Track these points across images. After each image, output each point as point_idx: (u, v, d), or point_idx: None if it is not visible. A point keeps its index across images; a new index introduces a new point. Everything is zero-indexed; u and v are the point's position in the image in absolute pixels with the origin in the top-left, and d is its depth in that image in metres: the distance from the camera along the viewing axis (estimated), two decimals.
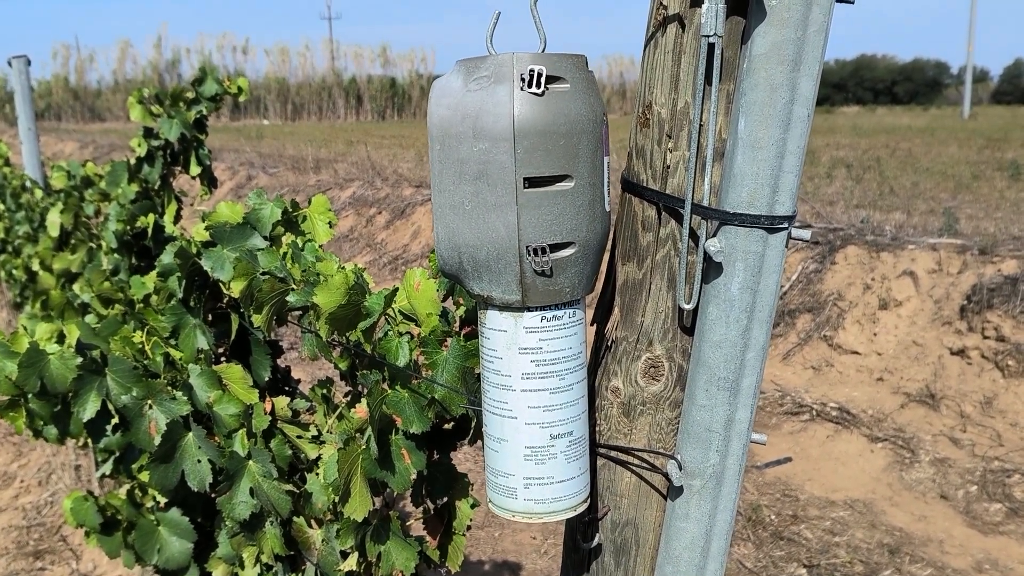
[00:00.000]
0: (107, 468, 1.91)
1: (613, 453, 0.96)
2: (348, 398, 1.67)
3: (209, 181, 2.62)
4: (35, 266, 3.05)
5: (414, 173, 12.41)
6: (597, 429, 0.97)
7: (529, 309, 0.75)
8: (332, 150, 18.91)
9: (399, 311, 1.12)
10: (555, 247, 0.74)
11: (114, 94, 49.60)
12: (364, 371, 1.16)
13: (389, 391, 1.08)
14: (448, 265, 0.76)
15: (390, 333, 1.07)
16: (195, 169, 2.54)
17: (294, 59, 55.75)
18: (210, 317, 1.71)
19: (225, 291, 1.69)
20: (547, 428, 0.81)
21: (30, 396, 1.29)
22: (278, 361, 1.87)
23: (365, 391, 1.16)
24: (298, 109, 52.67)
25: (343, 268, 1.21)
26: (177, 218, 2.65)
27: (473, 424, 1.12)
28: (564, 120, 0.70)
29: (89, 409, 1.24)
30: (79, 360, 1.27)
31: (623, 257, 0.95)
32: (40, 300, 2.80)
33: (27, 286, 4.16)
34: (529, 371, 0.77)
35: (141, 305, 1.78)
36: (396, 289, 1.07)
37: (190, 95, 2.53)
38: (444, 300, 1.07)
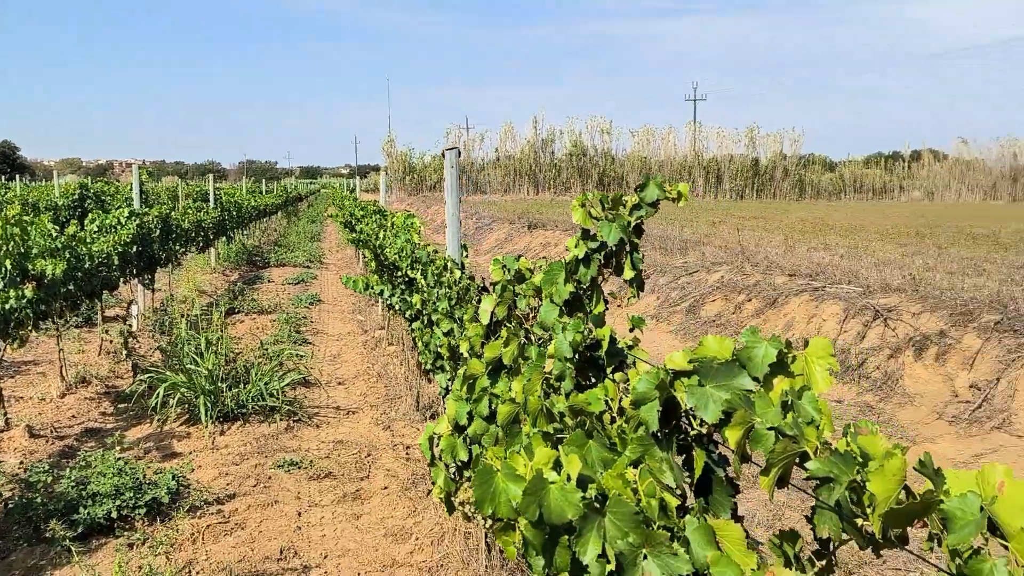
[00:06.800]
0: None
1: None
2: (822, 562, 1.49)
3: (638, 285, 2.60)
4: (463, 348, 3.26)
5: (784, 259, 11.96)
6: None
7: None
8: (695, 230, 18.96)
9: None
10: None
11: (494, 169, 54.64)
12: None
13: None
14: None
15: (982, 550, 0.88)
16: (628, 273, 2.54)
17: (656, 140, 57.41)
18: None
19: (694, 424, 1.60)
20: None
21: (524, 523, 1.28)
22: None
23: None
24: None
25: (891, 447, 1.04)
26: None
27: None
28: None
29: (591, 551, 1.20)
30: (580, 495, 1.23)
31: None
32: (466, 384, 2.97)
33: (442, 359, 4.51)
34: None
35: (598, 423, 1.75)
36: (992, 497, 0.88)
37: (630, 200, 2.55)
38: None
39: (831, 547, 1.44)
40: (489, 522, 1.75)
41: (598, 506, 1.23)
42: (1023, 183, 56.68)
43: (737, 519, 1.77)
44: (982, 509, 0.87)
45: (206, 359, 6.76)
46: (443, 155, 4.71)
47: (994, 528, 0.93)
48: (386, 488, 5.21)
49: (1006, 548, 0.90)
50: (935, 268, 10.93)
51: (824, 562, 1.47)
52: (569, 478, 1.27)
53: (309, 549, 4.37)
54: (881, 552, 1.34)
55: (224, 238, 18.48)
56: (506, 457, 1.39)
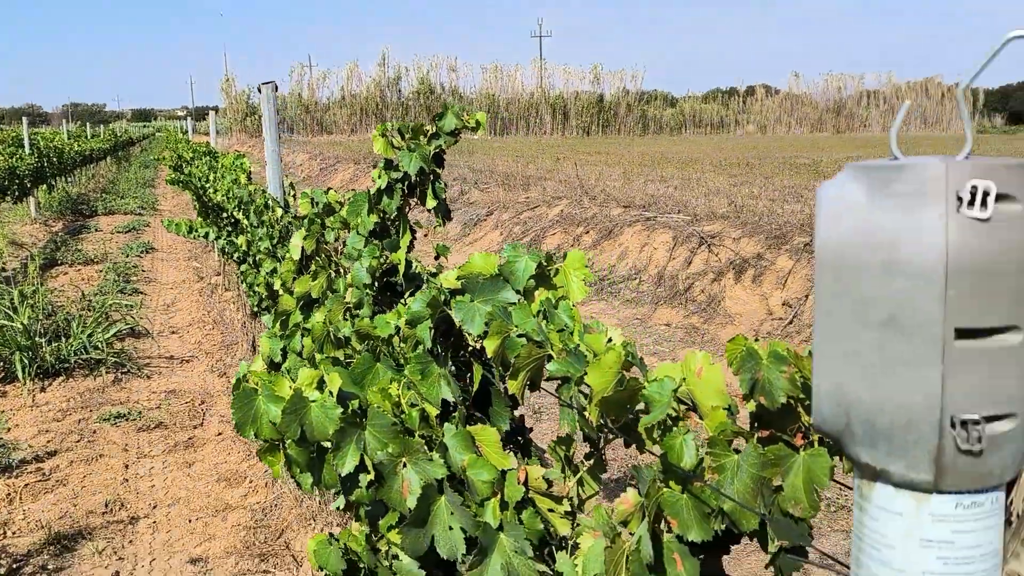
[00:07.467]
0: (340, 503, 1.92)
1: None
2: (591, 461, 1.58)
3: (443, 214, 2.63)
4: (276, 285, 3.21)
5: (621, 192, 12.32)
6: None
7: (941, 492, 0.58)
8: (539, 166, 19.19)
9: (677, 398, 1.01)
10: (990, 419, 0.57)
11: (340, 109, 53.18)
12: (636, 466, 1.06)
13: (665, 490, 0.97)
14: (827, 424, 0.62)
15: (675, 428, 0.96)
16: (431, 202, 2.56)
17: (504, 77, 57.33)
18: (452, 366, 1.67)
19: (471, 341, 1.65)
20: None
21: (289, 442, 1.29)
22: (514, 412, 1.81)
23: (635, 483, 1.06)
24: (506, 124, 54.17)
25: (612, 342, 1.11)
26: (410, 248, 2.68)
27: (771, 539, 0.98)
28: (1017, 254, 0.55)
29: (348, 463, 1.22)
30: (340, 411, 1.25)
31: None
32: (280, 320, 2.93)
33: (264, 299, 4.42)
34: (935, 570, 0.60)
35: (386, 347, 1.78)
36: (681, 379, 0.96)
37: (430, 130, 2.55)
38: (749, 399, 0.94)
39: (600, 445, 1.53)
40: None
41: (359, 420, 1.26)
42: (846, 116, 60.40)
43: (521, 430, 1.84)
44: (673, 393, 0.95)
45: (21, 313, 6.36)
46: (259, 90, 4.54)
47: (696, 409, 1.02)
48: (220, 434, 5.11)
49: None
50: (759, 196, 11.55)
51: (593, 460, 1.56)
52: (332, 395, 1.29)
53: (137, 500, 4.24)
54: (644, 449, 1.43)
55: (45, 186, 17.24)
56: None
